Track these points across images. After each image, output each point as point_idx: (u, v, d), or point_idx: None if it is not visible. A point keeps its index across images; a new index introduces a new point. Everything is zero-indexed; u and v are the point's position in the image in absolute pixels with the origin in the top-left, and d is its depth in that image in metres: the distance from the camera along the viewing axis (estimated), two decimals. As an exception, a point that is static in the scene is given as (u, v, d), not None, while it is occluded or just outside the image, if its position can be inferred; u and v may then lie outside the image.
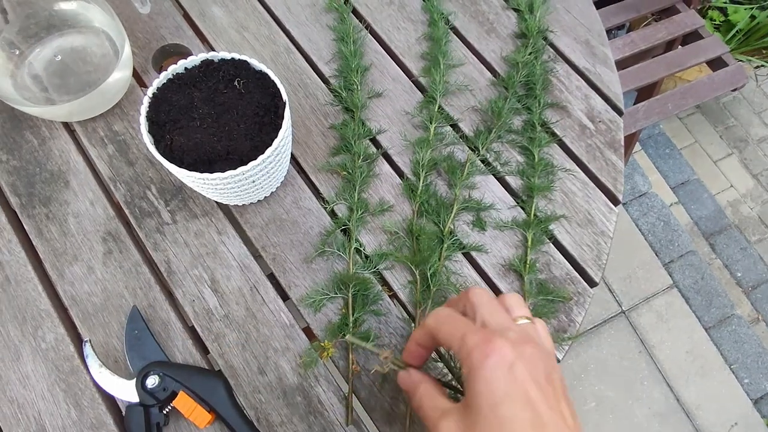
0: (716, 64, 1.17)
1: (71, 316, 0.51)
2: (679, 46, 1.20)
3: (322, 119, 0.59)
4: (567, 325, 0.51)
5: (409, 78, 0.62)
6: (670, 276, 1.49)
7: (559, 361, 0.47)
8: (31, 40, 0.54)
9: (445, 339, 0.32)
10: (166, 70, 0.48)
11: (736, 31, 1.56)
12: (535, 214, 0.55)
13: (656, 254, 1.52)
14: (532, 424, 0.25)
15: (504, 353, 0.27)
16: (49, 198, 0.54)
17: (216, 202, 0.55)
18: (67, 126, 0.58)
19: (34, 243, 0.53)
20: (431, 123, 0.58)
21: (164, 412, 0.46)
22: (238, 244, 0.53)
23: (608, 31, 1.41)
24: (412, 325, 0.51)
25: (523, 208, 0.56)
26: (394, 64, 0.63)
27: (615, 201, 0.57)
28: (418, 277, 0.52)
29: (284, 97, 0.47)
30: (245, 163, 0.44)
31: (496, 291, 0.53)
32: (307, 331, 0.51)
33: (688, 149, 1.70)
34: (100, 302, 0.51)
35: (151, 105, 0.47)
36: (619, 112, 0.61)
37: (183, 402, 0.45)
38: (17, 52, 0.54)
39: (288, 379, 0.49)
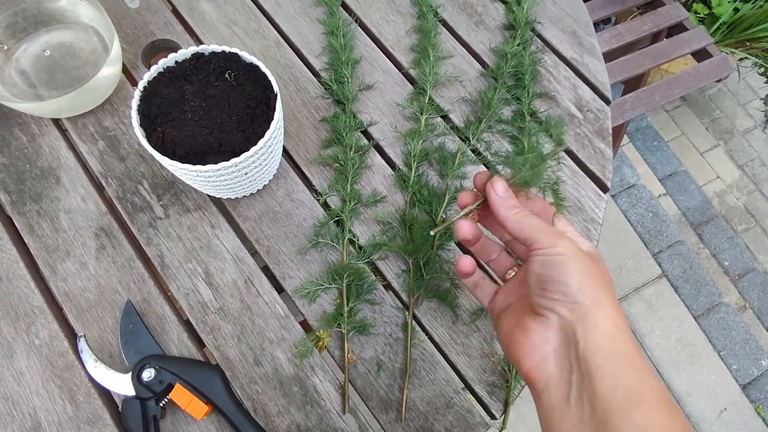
0: (701, 55, 1.18)
1: (65, 312, 0.50)
2: (665, 39, 1.22)
3: (313, 112, 0.59)
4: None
5: (399, 70, 0.63)
6: (659, 266, 1.51)
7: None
8: (18, 35, 0.54)
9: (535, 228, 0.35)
10: (157, 64, 0.48)
11: (720, 24, 1.58)
12: (525, 203, 0.55)
13: (645, 245, 1.54)
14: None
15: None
16: (39, 195, 0.54)
17: (209, 195, 0.55)
18: (56, 122, 0.58)
19: (25, 240, 0.53)
20: (422, 114, 0.59)
21: (161, 404, 0.46)
22: (231, 238, 0.54)
23: (595, 25, 1.43)
24: (406, 313, 0.51)
25: (513, 197, 0.56)
26: (384, 56, 0.63)
27: (604, 188, 0.58)
28: (411, 266, 0.52)
29: (275, 88, 0.47)
30: (238, 155, 0.44)
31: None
32: (304, 324, 0.51)
33: (675, 141, 1.73)
34: (94, 298, 0.51)
35: (142, 98, 0.47)
36: (607, 101, 0.62)
37: (179, 394, 0.45)
38: (5, 47, 0.53)
39: (284, 369, 0.49)
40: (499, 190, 0.37)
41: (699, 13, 1.62)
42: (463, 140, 0.59)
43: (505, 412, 0.49)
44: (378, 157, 0.58)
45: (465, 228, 0.39)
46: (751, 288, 1.52)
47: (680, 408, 1.28)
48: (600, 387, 0.29)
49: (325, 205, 0.56)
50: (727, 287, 1.52)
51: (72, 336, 0.50)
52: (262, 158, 0.47)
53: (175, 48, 0.63)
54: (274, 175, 0.55)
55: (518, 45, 0.63)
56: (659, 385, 0.30)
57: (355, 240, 0.54)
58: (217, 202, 0.55)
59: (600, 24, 1.59)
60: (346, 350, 0.49)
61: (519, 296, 0.39)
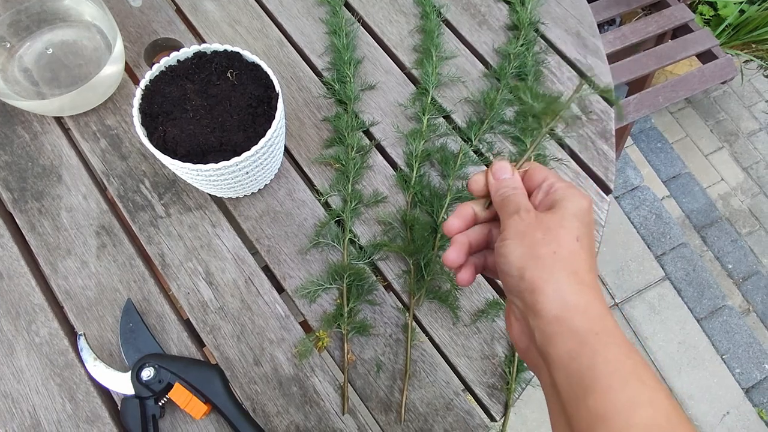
0: (706, 56, 1.18)
1: (65, 311, 0.50)
2: (669, 40, 1.21)
3: (315, 112, 0.59)
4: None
5: (402, 70, 0.62)
6: (663, 268, 1.50)
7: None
8: (21, 33, 0.54)
9: (545, 174, 0.35)
10: (159, 63, 0.47)
11: (726, 26, 1.57)
12: (527, 204, 0.55)
13: (648, 247, 1.53)
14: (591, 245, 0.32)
15: (590, 204, 0.33)
16: (41, 192, 0.54)
17: (210, 195, 0.55)
18: (59, 121, 0.58)
19: (26, 238, 0.53)
20: (424, 114, 0.58)
21: (160, 403, 0.46)
22: (232, 237, 0.53)
23: (600, 26, 1.42)
24: (407, 314, 0.51)
25: (515, 198, 0.56)
26: (387, 56, 0.63)
27: (606, 190, 0.57)
28: (412, 267, 0.52)
29: (277, 87, 0.47)
30: (239, 154, 0.44)
31: (492, 282, 0.54)
32: (304, 324, 0.51)
33: (679, 143, 1.72)
34: (94, 296, 0.51)
35: (144, 97, 0.47)
36: (610, 103, 0.62)
37: (178, 393, 0.45)
38: (8, 46, 0.53)
39: (284, 369, 0.49)
40: (497, 173, 0.35)
41: (704, 15, 1.62)
42: (465, 141, 0.58)
43: (505, 414, 0.49)
44: (379, 157, 0.58)
45: (452, 224, 0.36)
46: (755, 291, 1.51)
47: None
48: (557, 378, 0.28)
49: (326, 205, 0.55)
50: (730, 290, 1.51)
51: (72, 334, 0.50)
52: (264, 157, 0.47)
53: (177, 47, 0.63)
54: (275, 174, 0.55)
55: (521, 45, 0.62)
56: (616, 350, 0.27)
57: (356, 240, 0.54)
58: (218, 201, 0.55)
59: (605, 25, 1.58)
60: (345, 351, 0.49)
61: None
